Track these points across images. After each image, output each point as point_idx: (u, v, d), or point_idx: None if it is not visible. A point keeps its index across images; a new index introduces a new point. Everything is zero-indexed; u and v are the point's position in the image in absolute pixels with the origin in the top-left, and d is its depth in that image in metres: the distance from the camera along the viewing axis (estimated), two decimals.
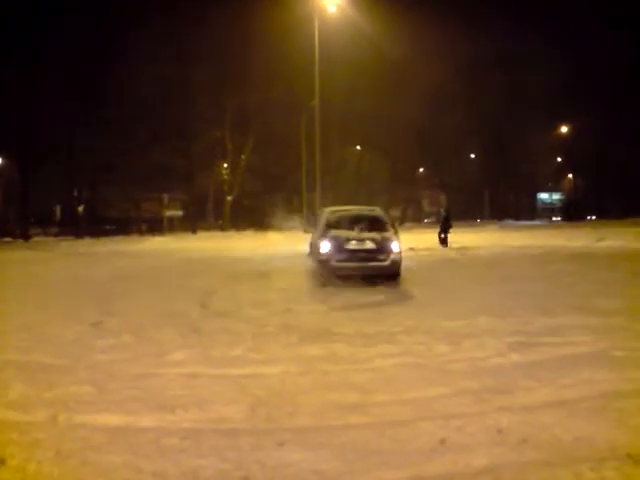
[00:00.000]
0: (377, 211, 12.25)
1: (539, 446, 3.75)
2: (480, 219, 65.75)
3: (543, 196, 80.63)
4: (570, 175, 74.44)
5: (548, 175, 75.50)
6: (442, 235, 23.18)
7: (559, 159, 70.98)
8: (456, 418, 4.23)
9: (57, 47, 37.31)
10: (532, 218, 69.67)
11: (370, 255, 11.21)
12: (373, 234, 11.29)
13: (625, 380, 5.03)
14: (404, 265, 12.15)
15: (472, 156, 68.34)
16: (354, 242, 11.33)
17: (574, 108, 55.92)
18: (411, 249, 21.09)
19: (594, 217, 59.22)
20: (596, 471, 3.36)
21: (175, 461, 3.65)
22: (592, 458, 3.54)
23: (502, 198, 71.46)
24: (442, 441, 3.84)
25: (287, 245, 24.79)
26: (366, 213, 11.90)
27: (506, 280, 12.10)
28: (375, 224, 11.56)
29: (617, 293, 9.75)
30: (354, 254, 11.25)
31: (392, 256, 11.12)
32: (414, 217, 69.00)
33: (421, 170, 67.01)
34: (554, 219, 64.86)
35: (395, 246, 11.12)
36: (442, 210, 27.99)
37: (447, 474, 3.41)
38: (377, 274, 11.25)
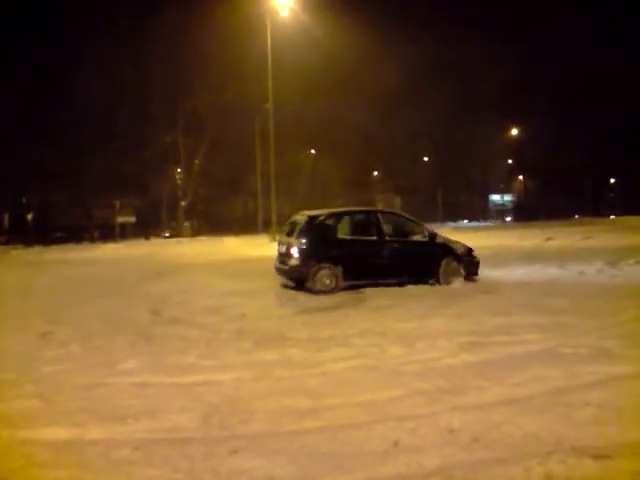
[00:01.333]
0: (305, 216, 12.16)
1: (490, 444, 3.81)
2: (434, 221, 66.73)
3: (495, 197, 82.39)
4: (520, 177, 76.38)
5: (499, 177, 77.27)
6: None
7: (510, 161, 72.74)
8: (409, 420, 4.26)
9: (4, 54, 36.38)
10: (484, 219, 71.15)
11: (283, 258, 11.72)
12: (291, 239, 11.50)
13: (572, 376, 5.16)
14: None
15: (425, 159, 69.33)
16: (281, 246, 12.06)
17: (524, 111, 57.46)
18: None
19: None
20: (543, 465, 3.45)
21: (125, 473, 3.57)
22: (540, 453, 3.63)
23: (455, 200, 72.73)
24: (395, 443, 3.86)
25: (244, 250, 24.64)
26: (298, 218, 12.03)
27: None
28: (297, 228, 11.71)
29: (565, 292, 10.03)
30: (280, 257, 11.95)
31: (291, 261, 11.27)
32: None
33: (375, 173, 67.66)
34: (507, 219, 66.30)
35: (294, 251, 11.22)
36: None
37: (399, 476, 3.43)
38: (288, 277, 11.79)
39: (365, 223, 11.69)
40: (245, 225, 47.49)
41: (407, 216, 12.35)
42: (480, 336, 6.80)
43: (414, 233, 11.85)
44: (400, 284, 11.22)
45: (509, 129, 65.13)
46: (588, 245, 20.54)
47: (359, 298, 10.36)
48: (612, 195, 73.23)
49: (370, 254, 11.32)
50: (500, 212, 78.87)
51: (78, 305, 10.57)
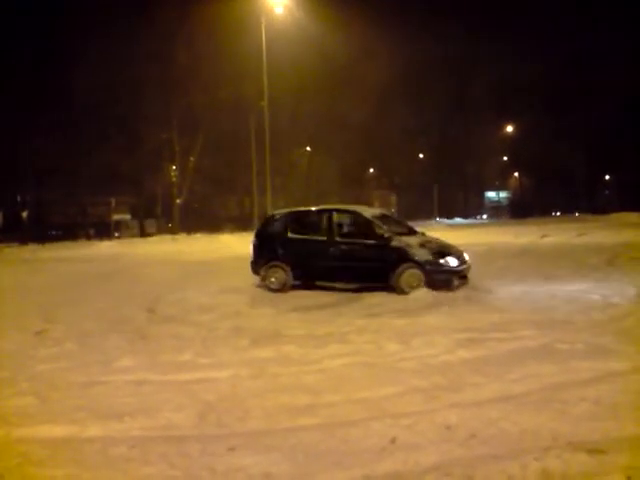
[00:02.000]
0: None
1: (487, 440, 3.82)
2: (430, 218, 66.80)
3: (490, 194, 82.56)
4: (516, 173, 76.55)
5: (495, 174, 77.44)
6: None
7: (505, 158, 72.86)
8: (406, 417, 4.27)
9: None
10: (480, 216, 71.28)
11: None
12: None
13: (568, 372, 5.18)
14: None
15: (421, 156, 69.39)
16: None
17: (519, 108, 57.54)
18: None
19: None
20: (540, 460, 3.46)
21: (122, 471, 3.57)
22: (537, 448, 3.65)
23: (451, 197, 72.82)
24: (392, 440, 3.87)
25: (239, 248, 24.60)
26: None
27: None
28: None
29: (560, 288, 10.04)
30: None
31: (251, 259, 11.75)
32: None
33: (371, 171, 67.65)
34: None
35: (250, 250, 11.79)
36: None
37: (397, 473, 3.44)
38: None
39: (318, 222, 11.18)
40: (241, 223, 47.36)
41: (368, 216, 10.96)
42: (476, 332, 6.81)
43: (374, 235, 10.56)
44: (359, 289, 10.37)
45: (504, 126, 65.24)
46: (583, 242, 20.57)
47: (355, 295, 10.36)
48: (607, 192, 73.44)
49: (318, 255, 10.76)
50: (495, 209, 79.03)
51: (73, 303, 10.55)
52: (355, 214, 11.35)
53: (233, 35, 37.94)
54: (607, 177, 73.43)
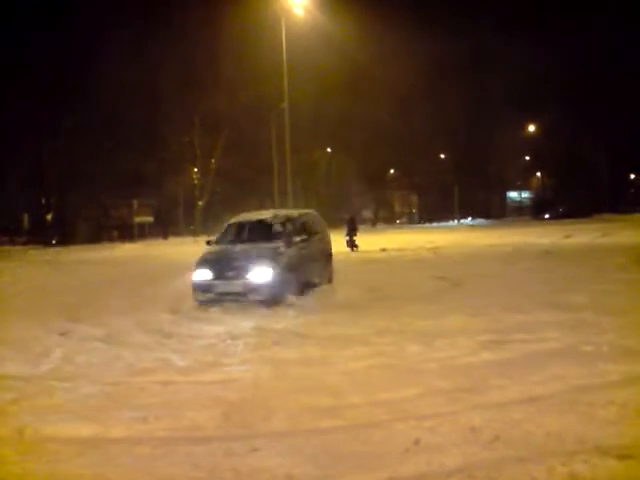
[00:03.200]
0: None
1: (511, 443, 3.78)
2: (452, 219, 66.40)
3: (512, 194, 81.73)
4: (538, 173, 75.68)
5: (517, 174, 76.61)
6: (348, 238, 22.38)
7: (527, 158, 72.06)
8: (429, 418, 4.25)
9: (24, 55, 36.81)
10: (502, 216, 70.52)
11: None
12: None
13: (593, 374, 5.10)
14: (376, 266, 12.15)
15: (442, 156, 68.97)
16: None
17: (541, 107, 56.87)
18: (383, 250, 21.30)
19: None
20: (567, 465, 3.40)
21: (147, 471, 3.59)
22: (563, 452, 3.59)
23: (472, 197, 72.21)
24: (416, 442, 3.84)
25: None
26: None
27: (477, 278, 12.21)
28: None
29: (585, 289, 9.87)
30: None
31: None
32: (386, 218, 69.39)
33: (392, 171, 67.42)
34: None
35: None
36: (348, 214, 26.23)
37: (421, 474, 3.42)
38: None
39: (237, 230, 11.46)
40: None
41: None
42: (499, 334, 6.74)
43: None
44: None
45: (527, 125, 64.54)
46: (606, 242, 20.29)
47: (376, 296, 10.34)
48: (632, 191, 72.25)
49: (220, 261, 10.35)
50: (517, 209, 78.09)
51: (97, 304, 10.68)
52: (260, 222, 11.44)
53: (254, 37, 38.14)
54: (632, 176, 72.32)
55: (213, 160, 46.30)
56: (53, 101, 38.56)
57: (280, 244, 10.35)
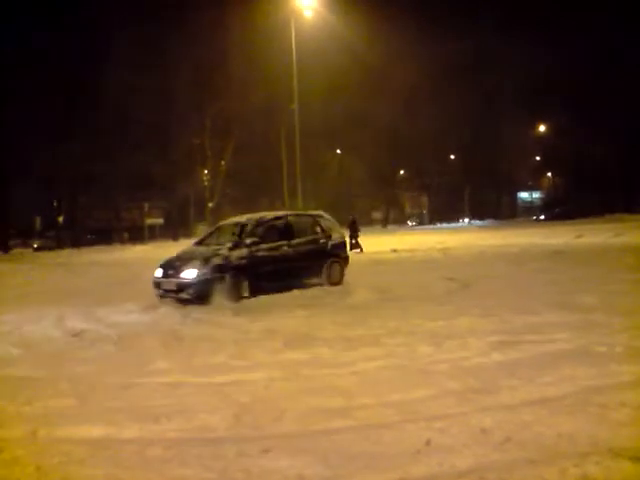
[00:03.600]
0: None
1: (522, 444, 3.76)
2: (462, 220, 66.18)
3: (523, 195, 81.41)
4: (549, 174, 75.29)
5: (527, 174, 76.27)
6: (352, 240, 22.12)
7: (538, 158, 71.70)
8: (440, 419, 4.24)
9: (36, 59, 37.10)
10: (513, 217, 70.18)
11: None
12: None
13: (605, 375, 5.06)
14: (386, 267, 12.15)
15: (452, 157, 68.81)
16: None
17: (552, 107, 56.55)
18: (394, 251, 21.31)
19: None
20: (580, 467, 3.38)
21: (159, 472, 3.61)
22: (575, 454, 3.56)
23: (483, 198, 72.00)
24: (427, 443, 3.84)
25: None
26: None
27: (487, 279, 12.17)
28: None
29: (595, 289, 9.79)
30: None
31: None
32: (397, 220, 69.30)
33: (402, 172, 67.32)
34: (541, 217, 63.67)
35: None
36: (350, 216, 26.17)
37: (432, 476, 3.41)
38: None
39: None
40: None
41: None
42: (509, 335, 6.72)
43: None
44: None
45: (537, 125, 64.23)
46: (618, 243, 20.17)
47: (387, 296, 10.34)
48: None
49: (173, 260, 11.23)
50: (528, 209, 77.69)
51: (109, 305, 10.73)
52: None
53: (264, 39, 38.28)
54: None
55: (223, 162, 46.48)
56: (65, 102, 38.81)
57: (227, 246, 10.76)
